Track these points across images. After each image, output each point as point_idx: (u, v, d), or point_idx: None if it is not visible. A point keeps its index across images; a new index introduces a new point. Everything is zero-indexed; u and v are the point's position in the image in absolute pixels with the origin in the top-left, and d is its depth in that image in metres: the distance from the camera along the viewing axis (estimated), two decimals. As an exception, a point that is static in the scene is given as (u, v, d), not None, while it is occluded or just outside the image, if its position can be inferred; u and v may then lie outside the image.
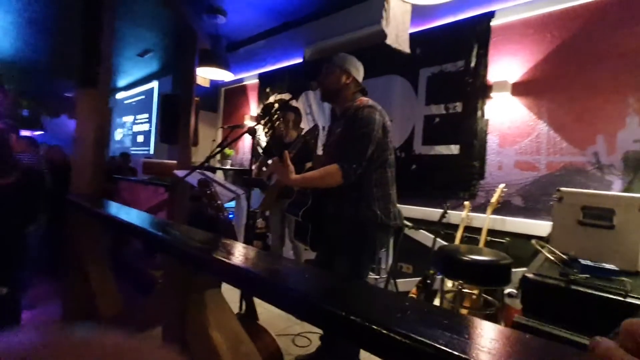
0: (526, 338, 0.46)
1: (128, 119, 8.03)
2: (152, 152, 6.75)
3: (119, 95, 8.24)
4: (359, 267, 1.70)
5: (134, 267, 3.15)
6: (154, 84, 6.87)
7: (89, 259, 1.60)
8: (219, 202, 1.16)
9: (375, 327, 0.47)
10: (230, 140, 3.56)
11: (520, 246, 2.44)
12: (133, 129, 7.77)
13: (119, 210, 1.31)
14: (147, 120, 7.18)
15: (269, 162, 2.56)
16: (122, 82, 7.44)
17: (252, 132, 1.76)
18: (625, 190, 2.08)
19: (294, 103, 3.98)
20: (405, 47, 2.00)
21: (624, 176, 2.13)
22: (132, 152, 7.17)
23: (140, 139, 7.39)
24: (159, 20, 4.25)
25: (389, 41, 1.89)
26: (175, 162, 3.48)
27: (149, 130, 7.00)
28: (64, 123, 8.37)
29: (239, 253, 0.84)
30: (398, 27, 1.91)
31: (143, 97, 7.37)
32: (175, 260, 0.94)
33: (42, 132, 8.11)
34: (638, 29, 2.12)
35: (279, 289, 0.64)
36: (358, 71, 1.78)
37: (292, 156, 2.26)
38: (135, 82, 7.26)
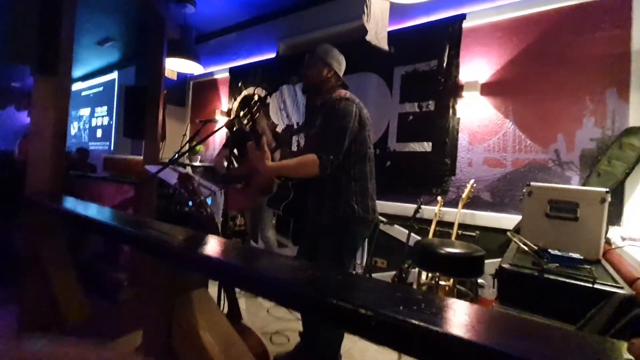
0: (493, 313, 0.50)
1: (85, 112, 7.51)
2: (112, 147, 6.36)
3: (75, 87, 7.68)
4: (341, 262, 1.70)
5: (95, 271, 2.95)
6: (114, 75, 6.46)
7: (51, 262, 1.47)
8: (201, 198, 1.10)
9: (362, 310, 0.48)
10: (204, 135, 3.43)
11: (489, 239, 2.56)
12: (91, 123, 7.27)
13: (92, 210, 1.21)
14: (106, 113, 6.75)
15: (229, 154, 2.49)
16: (78, 73, 6.94)
17: (230, 126, 1.70)
18: (582, 185, 2.25)
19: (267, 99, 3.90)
20: (383, 45, 2.02)
21: (582, 172, 2.30)
22: (91, 147, 6.72)
23: (99, 133, 6.94)
24: (121, 6, 4.00)
25: (369, 38, 1.90)
26: (141, 158, 3.29)
27: (110, 124, 6.59)
28: (11, 115, 7.66)
29: (228, 248, 0.80)
30: (377, 25, 1.92)
31: (102, 88, 6.92)
32: (158, 260, 0.88)
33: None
34: (595, 37, 2.29)
35: (283, 285, 0.62)
36: (340, 65, 1.77)
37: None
38: (94, 72, 6.80)
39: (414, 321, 0.41)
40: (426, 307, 0.46)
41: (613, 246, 1.77)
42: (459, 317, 0.45)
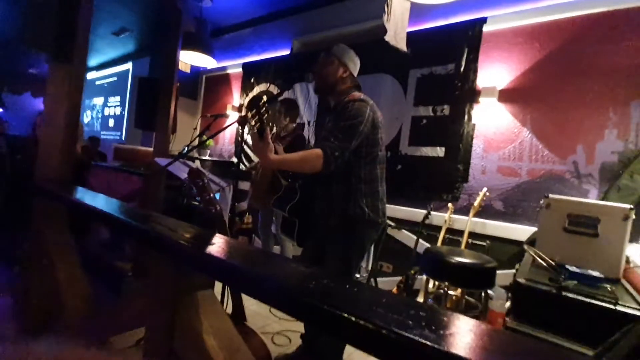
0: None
1: (98, 101, 7.57)
2: (124, 137, 6.40)
3: (90, 75, 7.75)
4: (349, 264, 1.67)
5: (99, 259, 2.95)
6: (129, 66, 6.50)
7: (56, 250, 1.46)
8: (211, 194, 1.07)
9: (384, 331, 0.44)
10: (215, 129, 3.42)
11: (500, 249, 2.50)
12: (104, 112, 7.33)
13: (101, 201, 1.19)
14: (119, 103, 6.80)
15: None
16: (93, 62, 7.00)
17: (242, 122, 1.67)
18: (601, 199, 2.17)
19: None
20: (402, 46, 1.97)
21: (601, 186, 2.23)
22: (102, 136, 6.77)
23: (111, 122, 6.99)
24: (139, -3, 4.01)
25: (388, 38, 1.85)
26: (151, 149, 3.29)
27: (122, 114, 6.63)
28: (27, 101, 7.77)
29: (238, 251, 0.77)
30: (397, 25, 1.87)
31: (115, 78, 6.96)
32: (164, 258, 0.85)
33: (1, 110, 7.49)
34: (621, 47, 2.21)
35: (288, 291, 0.58)
36: (355, 66, 1.75)
37: (287, 145, 2.17)
38: (108, 62, 6.85)
39: (443, 348, 0.38)
40: (455, 331, 0.42)
41: (632, 264, 1.70)
42: (492, 345, 0.40)
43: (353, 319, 0.44)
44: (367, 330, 0.43)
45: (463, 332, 0.42)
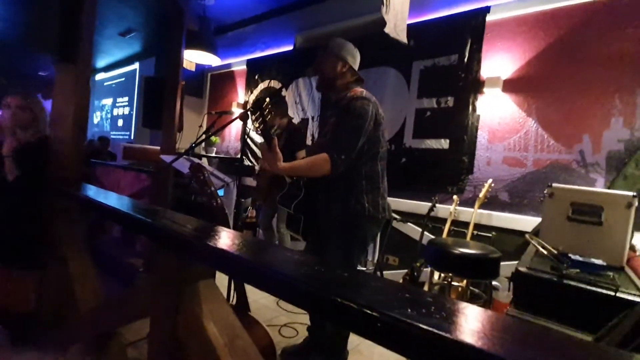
0: (508, 320, 0.46)
1: (107, 101, 7.70)
2: (133, 137, 6.51)
3: (98, 77, 7.88)
4: (350, 259, 1.69)
5: (112, 256, 3.03)
6: (136, 66, 6.59)
7: (68, 246, 1.51)
8: (212, 188, 1.10)
9: (367, 311, 0.46)
10: (219, 126, 3.46)
11: (506, 240, 2.49)
12: (113, 113, 7.46)
13: (107, 197, 1.23)
14: (127, 103, 6.91)
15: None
16: (101, 63, 7.11)
17: (244, 118, 1.69)
18: (608, 188, 2.14)
19: (283, 92, 3.88)
20: (402, 37, 1.97)
21: (607, 174, 2.20)
22: (112, 136, 6.89)
23: (120, 122, 7.11)
24: (143, -3, 4.05)
25: (387, 30, 1.85)
26: (158, 147, 3.35)
27: (130, 114, 6.74)
28: (38, 103, 7.93)
29: (235, 240, 0.79)
30: (397, 17, 1.87)
31: (123, 79, 7.07)
32: (167, 248, 0.89)
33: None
34: (626, 33, 2.16)
35: (286, 279, 0.61)
36: (354, 59, 1.73)
37: (281, 146, 2.19)
38: (116, 63, 6.95)
39: (422, 325, 0.39)
40: (436, 310, 0.44)
41: (638, 253, 1.69)
42: (471, 323, 0.42)
43: (339, 300, 0.46)
44: (353, 310, 0.45)
45: (444, 311, 0.44)
